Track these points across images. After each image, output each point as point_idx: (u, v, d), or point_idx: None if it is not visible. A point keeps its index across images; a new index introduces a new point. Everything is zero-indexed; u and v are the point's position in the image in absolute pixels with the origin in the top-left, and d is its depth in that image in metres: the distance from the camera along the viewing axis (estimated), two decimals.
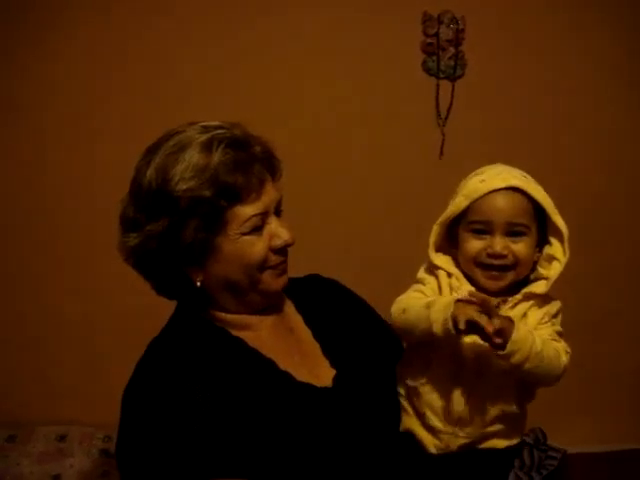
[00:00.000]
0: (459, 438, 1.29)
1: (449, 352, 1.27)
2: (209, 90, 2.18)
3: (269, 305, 1.39)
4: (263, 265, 1.31)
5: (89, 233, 2.15)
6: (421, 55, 2.30)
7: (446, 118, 2.30)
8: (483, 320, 1.17)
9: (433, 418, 1.30)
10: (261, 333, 1.37)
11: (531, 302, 1.30)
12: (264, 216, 1.30)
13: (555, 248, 1.32)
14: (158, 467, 1.19)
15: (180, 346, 1.31)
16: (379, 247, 2.25)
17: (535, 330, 1.28)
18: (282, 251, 1.33)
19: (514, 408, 1.28)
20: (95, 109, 2.17)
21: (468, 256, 1.31)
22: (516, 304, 1.30)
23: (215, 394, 1.23)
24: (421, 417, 1.32)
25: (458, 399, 1.28)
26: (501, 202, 1.29)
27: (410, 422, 1.34)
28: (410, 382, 1.34)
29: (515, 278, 1.31)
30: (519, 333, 1.20)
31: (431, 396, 1.31)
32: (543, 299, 1.31)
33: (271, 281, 1.33)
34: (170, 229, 1.26)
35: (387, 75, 2.29)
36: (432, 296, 1.33)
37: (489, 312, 1.19)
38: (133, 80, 2.19)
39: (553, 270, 1.31)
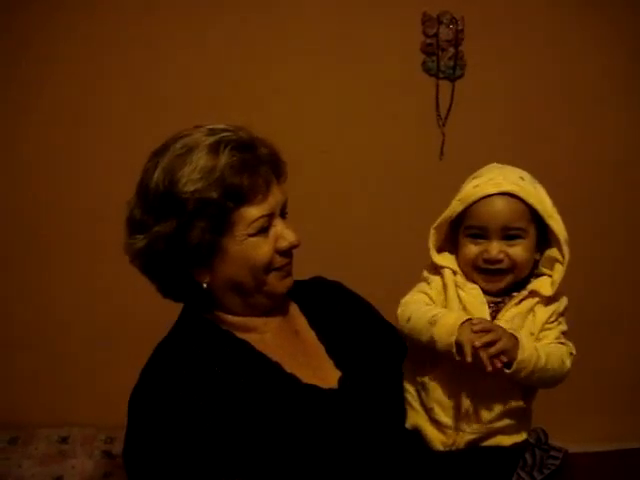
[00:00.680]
0: (466, 434, 1.29)
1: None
2: (208, 93, 2.19)
3: (274, 307, 1.39)
4: (269, 267, 1.32)
5: (91, 233, 2.15)
6: (421, 55, 2.30)
7: (446, 118, 2.30)
8: (483, 356, 1.18)
9: (441, 413, 1.30)
10: (266, 336, 1.37)
11: (537, 299, 1.31)
12: (270, 218, 1.31)
13: (556, 250, 1.33)
14: (166, 471, 1.19)
15: (186, 350, 1.31)
16: (379, 248, 2.26)
17: (541, 332, 1.30)
18: (287, 253, 1.34)
19: (520, 403, 1.29)
20: (94, 111, 2.18)
21: (466, 261, 1.33)
22: (522, 300, 1.31)
23: (221, 397, 1.23)
24: (429, 412, 1.32)
25: (465, 394, 1.28)
26: (494, 208, 1.29)
27: (417, 418, 1.34)
28: (418, 378, 1.34)
29: (514, 280, 1.32)
30: (524, 354, 1.21)
31: (438, 391, 1.31)
32: (551, 296, 1.32)
33: (276, 283, 1.34)
34: (177, 230, 1.27)
35: (387, 76, 2.29)
36: (436, 298, 1.34)
37: (493, 341, 1.19)
38: (132, 83, 2.19)
39: (556, 273, 1.32)
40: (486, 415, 1.28)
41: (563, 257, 1.31)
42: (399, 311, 1.35)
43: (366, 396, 1.35)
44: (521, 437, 1.32)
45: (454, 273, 1.35)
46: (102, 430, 2.05)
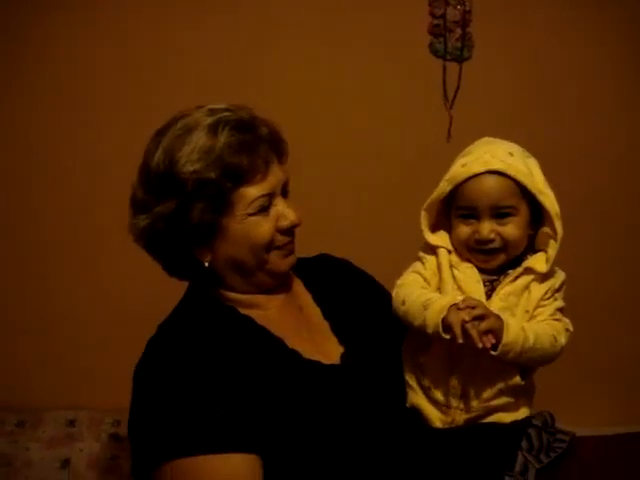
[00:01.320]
0: (464, 412, 1.29)
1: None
2: (207, 78, 2.17)
3: (277, 285, 1.40)
4: (270, 245, 1.33)
5: (97, 218, 2.15)
6: (428, 37, 2.27)
7: (453, 100, 2.28)
8: (473, 333, 1.18)
9: (438, 392, 1.30)
10: (269, 312, 1.38)
11: (532, 276, 1.30)
12: (270, 197, 1.32)
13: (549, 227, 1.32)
14: (170, 442, 1.20)
15: (190, 325, 1.33)
16: (387, 230, 2.24)
17: (537, 309, 1.29)
18: (289, 232, 1.35)
19: (517, 380, 1.28)
20: (93, 100, 2.17)
21: (458, 241, 1.33)
22: (517, 277, 1.30)
23: (225, 371, 1.25)
24: (426, 391, 1.32)
25: (461, 374, 1.28)
26: (482, 187, 1.28)
27: (416, 397, 1.34)
28: (415, 357, 1.34)
29: (509, 258, 1.31)
30: (509, 335, 1.21)
31: (434, 371, 1.31)
32: (546, 272, 1.31)
33: (278, 261, 1.35)
34: (178, 211, 1.28)
35: (394, 58, 2.26)
36: (431, 279, 1.34)
37: (482, 316, 1.20)
38: (131, 71, 2.19)
39: (551, 249, 1.31)
40: (483, 394, 1.28)
41: (556, 233, 1.30)
42: (394, 294, 1.35)
43: (368, 373, 1.36)
44: (522, 414, 1.32)
45: (449, 252, 1.34)
46: (109, 413, 2.05)
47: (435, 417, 1.32)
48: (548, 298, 1.30)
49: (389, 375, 1.38)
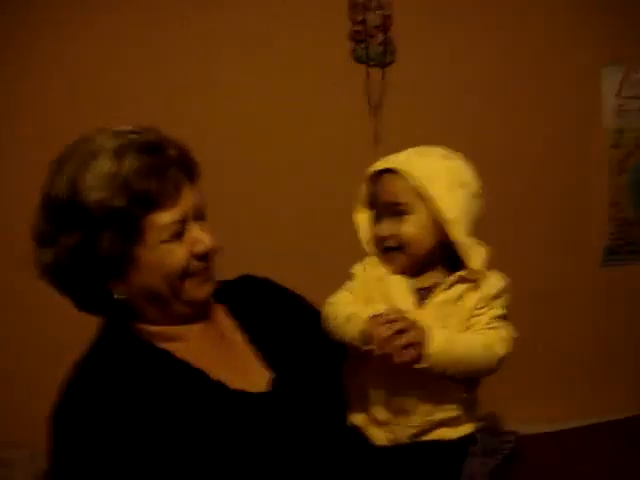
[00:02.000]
0: (407, 428, 1.26)
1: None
2: (131, 92, 2.13)
3: (197, 314, 1.34)
4: (185, 273, 1.26)
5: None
6: (350, 43, 2.25)
7: (378, 105, 2.26)
8: (392, 347, 1.17)
9: (379, 410, 1.28)
10: (190, 343, 1.32)
11: (467, 285, 1.28)
12: (183, 223, 1.25)
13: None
14: None
15: (106, 364, 1.26)
16: (314, 240, 2.22)
17: (472, 319, 1.26)
18: (205, 257, 1.29)
19: (460, 393, 1.27)
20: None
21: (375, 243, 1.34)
22: (451, 285, 1.27)
23: (146, 411, 1.18)
24: (367, 410, 1.29)
25: (398, 390, 1.26)
26: (381, 185, 1.30)
27: (357, 417, 1.32)
28: (353, 375, 1.32)
29: (412, 259, 1.29)
30: (432, 347, 1.18)
31: (373, 388, 1.28)
32: (479, 281, 1.28)
33: (195, 289, 1.29)
34: (84, 242, 1.22)
35: (317, 66, 2.24)
36: (360, 292, 1.32)
37: (403, 329, 1.18)
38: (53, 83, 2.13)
39: (477, 255, 1.29)
40: (424, 408, 1.25)
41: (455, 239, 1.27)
42: (324, 312, 1.33)
43: (300, 396, 1.31)
44: (467, 428, 1.29)
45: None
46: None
47: (378, 435, 1.29)
48: (482, 307, 1.27)
49: (324, 396, 1.34)
